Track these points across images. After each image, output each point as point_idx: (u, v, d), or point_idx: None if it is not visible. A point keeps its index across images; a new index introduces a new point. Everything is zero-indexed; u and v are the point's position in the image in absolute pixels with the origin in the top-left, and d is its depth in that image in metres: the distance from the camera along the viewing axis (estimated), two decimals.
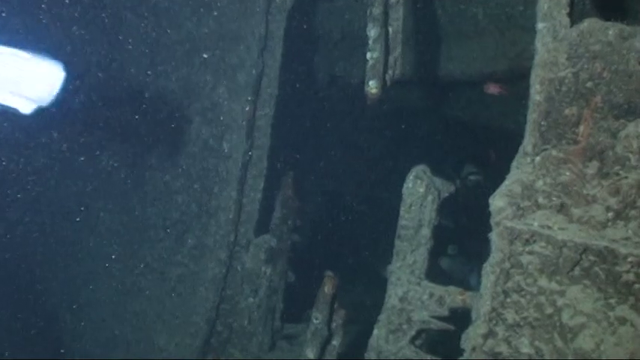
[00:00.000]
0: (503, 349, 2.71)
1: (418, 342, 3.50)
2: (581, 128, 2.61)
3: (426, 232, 3.57)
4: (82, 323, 6.13)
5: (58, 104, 3.22)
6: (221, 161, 5.13)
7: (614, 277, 2.45)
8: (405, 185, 3.60)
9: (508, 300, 2.71)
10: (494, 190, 2.89)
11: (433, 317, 3.43)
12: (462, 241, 6.12)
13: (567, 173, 2.63)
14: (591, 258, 2.50)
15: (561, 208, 2.63)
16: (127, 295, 5.83)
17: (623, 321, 2.43)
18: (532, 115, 2.75)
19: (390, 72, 3.93)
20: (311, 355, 4.09)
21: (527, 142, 2.77)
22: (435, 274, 3.62)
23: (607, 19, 2.61)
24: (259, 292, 4.93)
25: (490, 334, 2.75)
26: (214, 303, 5.07)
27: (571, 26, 2.69)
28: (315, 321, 4.09)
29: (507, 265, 2.70)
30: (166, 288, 5.50)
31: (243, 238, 5.03)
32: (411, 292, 3.51)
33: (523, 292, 2.67)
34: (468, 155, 6.51)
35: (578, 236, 2.53)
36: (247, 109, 4.92)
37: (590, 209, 2.56)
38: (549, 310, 2.60)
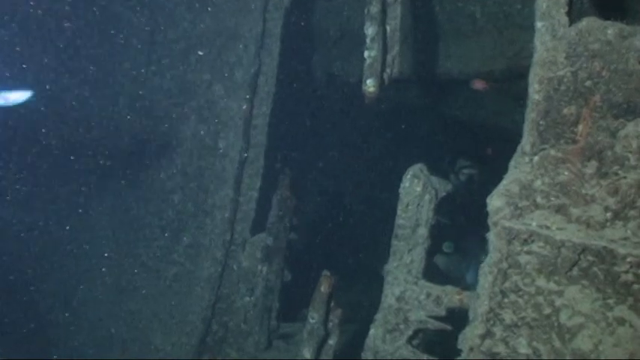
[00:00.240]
0: (500, 349, 2.70)
1: (415, 342, 3.48)
2: (580, 127, 2.59)
3: (423, 231, 3.56)
4: (77, 322, 6.11)
5: None
6: (217, 159, 5.12)
7: (612, 277, 2.44)
8: (402, 184, 3.58)
9: (506, 300, 2.69)
10: (488, 185, 2.88)
11: (430, 317, 3.41)
12: (457, 237, 6.09)
13: (566, 173, 2.61)
14: (590, 258, 2.49)
15: (560, 208, 2.61)
16: (123, 294, 5.81)
17: (621, 321, 2.42)
18: (530, 114, 2.73)
19: (387, 71, 3.92)
20: (307, 355, 4.07)
21: (526, 142, 2.75)
22: (431, 271, 3.61)
23: (606, 18, 2.60)
24: (255, 291, 4.91)
25: (488, 334, 2.73)
26: (210, 302, 5.06)
27: (570, 25, 2.68)
28: (311, 320, 4.07)
29: (505, 265, 2.69)
30: (162, 287, 5.48)
31: (240, 236, 5.02)
32: (408, 291, 3.49)
33: (521, 293, 2.66)
34: (463, 149, 6.48)
35: (576, 236, 2.52)
36: (244, 107, 4.91)
37: (589, 209, 2.54)
38: (547, 311, 2.59)
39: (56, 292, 6.42)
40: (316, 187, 7.36)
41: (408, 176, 3.57)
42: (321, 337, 4.13)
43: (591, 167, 2.56)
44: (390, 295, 3.55)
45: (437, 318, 3.39)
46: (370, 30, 3.86)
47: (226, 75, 5.08)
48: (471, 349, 2.77)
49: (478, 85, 5.71)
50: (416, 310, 3.44)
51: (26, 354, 6.09)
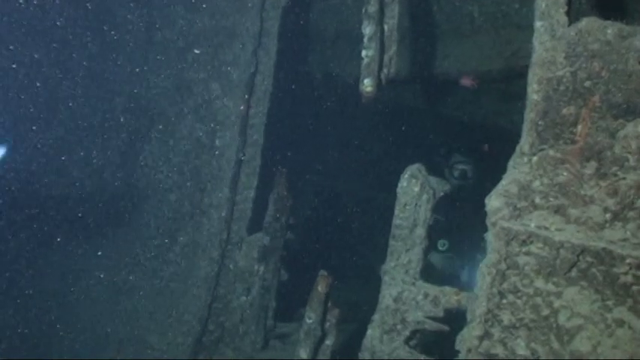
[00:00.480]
0: (498, 350, 2.69)
1: (413, 342, 3.47)
2: (579, 128, 2.58)
3: (420, 231, 3.54)
4: (74, 321, 6.09)
5: None
6: (214, 159, 5.10)
7: (611, 278, 2.43)
8: (399, 184, 3.57)
9: (504, 301, 2.68)
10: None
11: (428, 318, 3.40)
12: (452, 234, 6.08)
13: (565, 173, 2.60)
14: (589, 259, 2.48)
15: (559, 209, 2.60)
16: (119, 293, 5.79)
17: (620, 323, 2.41)
18: (529, 115, 2.72)
19: (385, 70, 3.90)
20: (304, 355, 4.06)
21: (524, 142, 2.74)
22: (425, 269, 3.59)
23: (606, 18, 2.59)
24: (252, 290, 4.90)
25: (486, 335, 2.72)
26: (206, 301, 5.04)
27: (569, 25, 2.67)
28: (308, 320, 4.06)
29: (503, 266, 2.68)
30: (158, 286, 5.46)
31: (236, 236, 5.01)
32: (405, 292, 3.48)
33: (519, 294, 2.65)
34: (458, 145, 6.47)
35: (575, 237, 2.51)
36: (241, 106, 4.89)
37: (588, 210, 2.53)
38: (546, 312, 2.58)
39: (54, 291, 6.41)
40: (313, 187, 7.35)
41: (406, 176, 3.56)
42: (318, 338, 4.11)
43: (590, 168, 2.55)
44: (387, 296, 3.53)
45: (434, 319, 3.37)
46: (368, 29, 3.84)
47: (223, 74, 5.07)
48: (469, 350, 2.76)
49: (466, 82, 5.71)
50: (413, 310, 3.42)
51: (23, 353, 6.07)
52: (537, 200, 2.65)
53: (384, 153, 7.44)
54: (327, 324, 4.14)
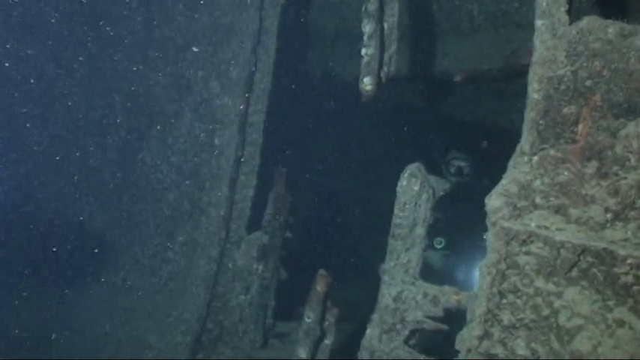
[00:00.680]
0: (498, 350, 2.68)
1: (412, 342, 3.46)
2: (580, 127, 2.57)
3: (420, 230, 3.53)
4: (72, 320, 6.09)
5: None
6: (213, 157, 5.09)
7: (612, 278, 2.42)
8: (399, 183, 3.56)
9: (504, 301, 2.67)
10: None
11: (427, 317, 3.39)
12: (448, 232, 6.06)
13: (565, 173, 2.59)
14: (589, 259, 2.47)
15: (559, 209, 2.59)
16: (118, 292, 5.78)
17: (621, 323, 2.40)
18: (530, 114, 2.71)
19: (384, 69, 3.89)
20: (303, 355, 4.05)
21: (525, 141, 2.73)
22: (422, 267, 3.58)
23: (607, 17, 2.57)
24: (251, 289, 4.89)
25: (486, 335, 2.71)
26: (205, 300, 5.03)
27: (570, 24, 2.65)
28: (307, 320, 4.05)
29: (503, 265, 2.66)
30: (157, 285, 5.45)
31: (235, 234, 5.00)
32: (405, 291, 3.47)
33: (519, 293, 2.64)
34: (456, 141, 6.45)
35: (576, 237, 2.50)
36: (240, 104, 4.87)
37: (589, 210, 2.52)
38: (546, 312, 2.57)
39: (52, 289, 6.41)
40: (312, 185, 7.33)
41: (406, 175, 3.54)
42: (317, 337, 4.10)
43: (591, 167, 2.53)
44: (386, 295, 3.52)
45: (434, 318, 3.36)
46: (368, 27, 3.83)
47: (222, 72, 5.05)
48: (469, 350, 2.75)
49: (458, 78, 5.71)
50: (413, 310, 3.41)
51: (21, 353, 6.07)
52: (538, 200, 2.64)
53: (384, 151, 7.42)
54: (326, 323, 4.14)
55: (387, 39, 3.88)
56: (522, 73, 2.96)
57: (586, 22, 2.59)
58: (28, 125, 6.42)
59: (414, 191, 3.51)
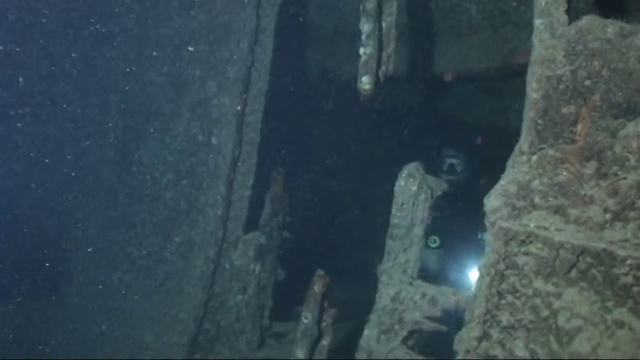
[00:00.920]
0: (497, 351, 2.66)
1: (410, 343, 3.44)
2: (579, 127, 2.56)
3: (418, 231, 3.52)
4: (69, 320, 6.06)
5: None
6: (210, 157, 5.06)
7: (611, 279, 2.40)
8: (397, 183, 3.54)
9: (503, 302, 2.66)
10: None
11: (426, 318, 3.37)
12: (442, 231, 6.02)
13: (564, 173, 2.58)
14: (588, 260, 2.46)
15: (558, 209, 2.58)
16: (114, 292, 5.75)
17: (620, 324, 2.39)
18: (529, 114, 2.70)
19: (383, 68, 3.87)
20: (301, 355, 4.03)
21: (524, 141, 2.71)
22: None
23: (606, 16, 2.56)
24: (248, 289, 4.87)
25: (484, 336, 2.70)
26: (202, 300, 5.01)
27: (569, 23, 2.64)
28: (304, 320, 4.03)
29: (502, 266, 2.65)
30: (154, 285, 5.43)
31: (232, 234, 4.98)
32: (403, 292, 3.46)
33: (518, 294, 2.62)
34: (451, 139, 6.42)
35: (575, 238, 2.48)
36: (237, 104, 4.85)
37: (588, 210, 2.51)
38: (545, 313, 2.55)
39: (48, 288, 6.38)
40: (310, 185, 7.32)
41: (404, 175, 3.53)
42: (315, 337, 4.09)
43: (590, 168, 2.52)
44: (384, 296, 3.51)
45: (432, 319, 3.35)
46: (366, 26, 3.81)
47: (219, 71, 5.03)
48: (467, 351, 2.74)
49: (448, 76, 5.70)
50: (411, 310, 3.40)
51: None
52: (537, 200, 2.63)
53: (382, 151, 7.42)
54: (324, 324, 4.12)
55: (385, 38, 3.86)
56: (519, 72, 2.96)
57: (585, 21, 2.57)
58: (19, 125, 6.39)
59: (412, 191, 3.50)
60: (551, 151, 2.62)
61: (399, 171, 3.57)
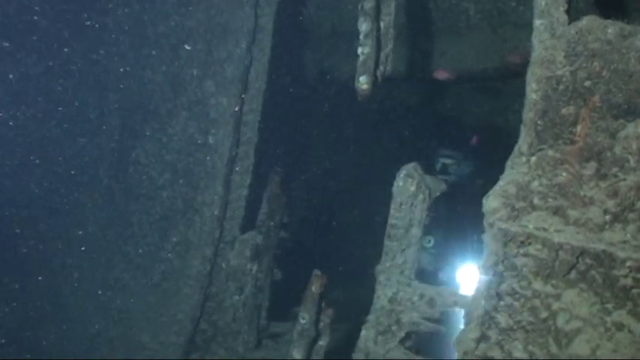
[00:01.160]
0: (495, 353, 2.65)
1: (408, 343, 3.43)
2: (579, 128, 2.55)
3: (416, 231, 3.51)
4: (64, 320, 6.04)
5: None
6: (207, 156, 5.05)
7: (611, 281, 2.39)
8: (395, 183, 3.53)
9: (502, 303, 2.64)
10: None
11: (423, 319, 3.36)
12: (437, 231, 6.01)
13: (564, 174, 2.57)
14: (588, 261, 2.45)
15: (557, 210, 2.56)
16: (111, 292, 5.73)
17: (620, 326, 2.38)
18: (528, 114, 2.68)
19: (381, 68, 3.86)
20: (298, 356, 4.02)
21: (523, 142, 2.70)
22: None
23: (606, 17, 2.55)
24: (245, 289, 4.86)
25: (483, 337, 2.68)
26: (199, 300, 5.00)
27: (569, 23, 2.63)
28: (302, 321, 4.02)
29: (501, 267, 2.64)
30: (150, 285, 5.41)
31: (229, 234, 4.96)
32: (400, 292, 3.44)
33: (517, 296, 2.61)
34: (447, 138, 6.41)
35: (574, 239, 2.47)
36: (235, 104, 4.84)
37: (587, 211, 2.50)
38: (544, 314, 2.54)
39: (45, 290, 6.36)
40: (307, 185, 7.30)
41: (402, 175, 3.52)
42: (312, 338, 4.07)
43: (590, 168, 2.51)
44: (382, 296, 3.50)
45: (430, 320, 3.34)
46: (364, 26, 3.80)
47: (217, 71, 5.01)
48: (466, 352, 2.72)
49: (440, 75, 5.68)
50: (409, 311, 3.39)
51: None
52: (536, 201, 2.62)
53: (380, 151, 7.40)
54: (321, 324, 4.11)
55: (383, 38, 3.85)
56: (514, 72, 2.95)
57: (585, 22, 2.56)
58: (11, 124, 6.36)
59: (411, 191, 3.49)
60: (550, 152, 2.61)
61: (396, 171, 3.55)
